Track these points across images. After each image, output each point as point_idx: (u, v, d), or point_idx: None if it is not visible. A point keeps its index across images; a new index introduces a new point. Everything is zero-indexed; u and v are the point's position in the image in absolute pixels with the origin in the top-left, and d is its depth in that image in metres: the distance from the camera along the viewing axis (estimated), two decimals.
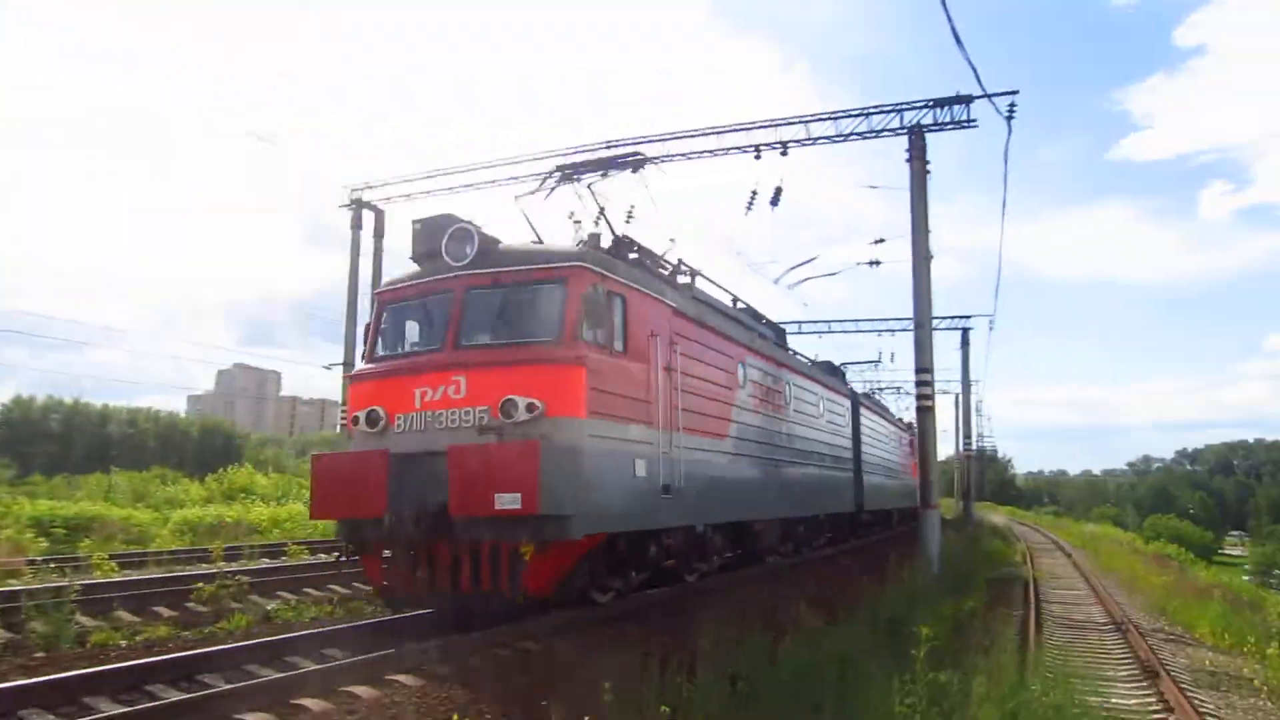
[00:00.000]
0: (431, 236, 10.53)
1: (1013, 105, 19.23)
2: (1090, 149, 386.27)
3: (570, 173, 12.71)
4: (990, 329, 68.99)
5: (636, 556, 11.18)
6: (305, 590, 14.36)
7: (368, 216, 28.99)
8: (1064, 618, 15.78)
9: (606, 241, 11.77)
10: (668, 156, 23.78)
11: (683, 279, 13.52)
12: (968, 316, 48.20)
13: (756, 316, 17.91)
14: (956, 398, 65.83)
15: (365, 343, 11.07)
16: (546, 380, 9.52)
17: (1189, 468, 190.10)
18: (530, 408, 9.36)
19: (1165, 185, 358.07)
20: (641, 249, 12.60)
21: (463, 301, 10.15)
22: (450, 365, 9.79)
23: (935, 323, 23.94)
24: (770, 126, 22.58)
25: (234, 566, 15.69)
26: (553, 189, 12.76)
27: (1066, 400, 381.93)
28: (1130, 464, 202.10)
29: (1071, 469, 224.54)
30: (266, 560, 18.30)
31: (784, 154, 22.21)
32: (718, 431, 13.27)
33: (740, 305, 17.11)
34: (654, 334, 11.27)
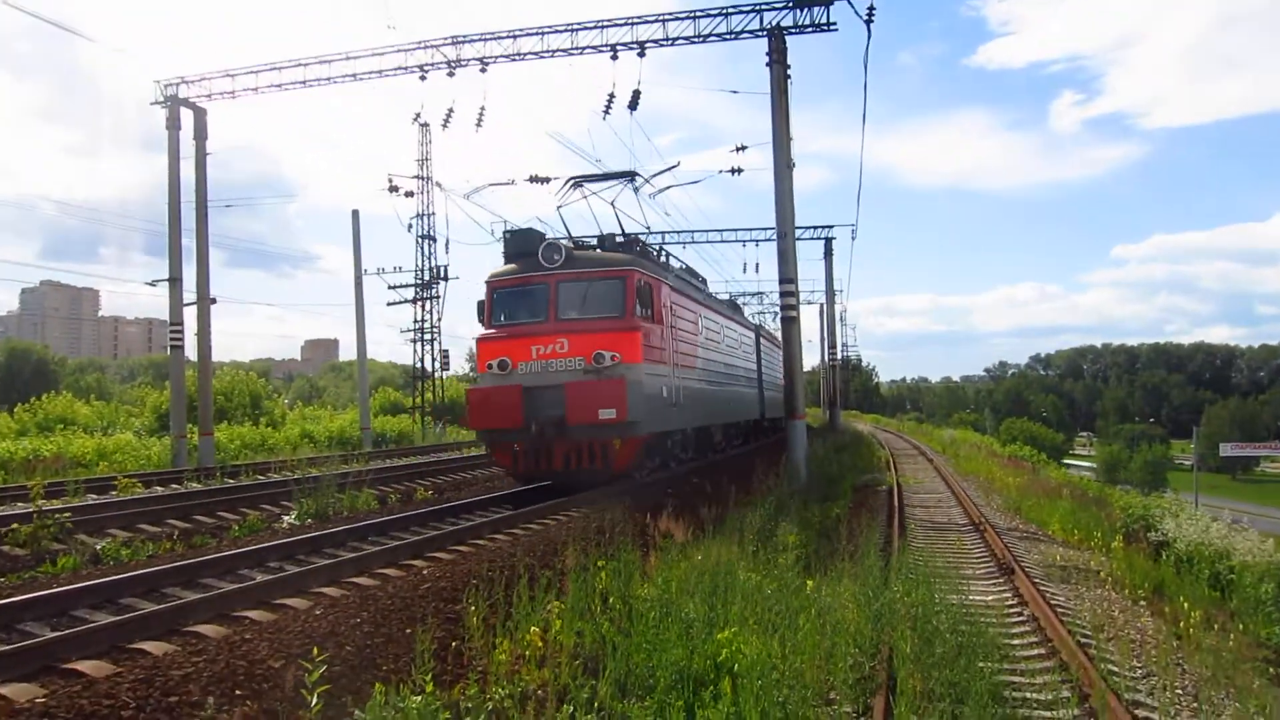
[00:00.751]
0: (521, 243, 17.92)
1: (871, 8, 19.48)
2: (948, 56, 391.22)
3: (580, 182, 19.87)
4: (853, 238, 65.61)
5: (659, 449, 18.27)
6: (140, 526, 13.84)
7: (187, 116, 27.33)
8: (926, 520, 16.65)
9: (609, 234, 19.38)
10: (519, 55, 23.22)
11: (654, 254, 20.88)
12: (830, 226, 48.43)
13: (694, 274, 23.83)
14: (821, 307, 65.65)
15: (483, 315, 17.91)
16: (620, 340, 16.44)
17: (1042, 372, 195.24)
18: (613, 358, 16.16)
19: (1018, 94, 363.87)
20: (641, 242, 19.59)
21: (557, 290, 17.16)
22: (556, 331, 16.74)
23: (798, 232, 24.34)
24: (627, 25, 22.24)
25: (56, 504, 14.95)
26: (567, 193, 20.03)
27: (928, 309, 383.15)
28: (988, 370, 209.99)
29: (933, 376, 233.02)
30: (94, 496, 17.46)
31: (641, 55, 21.97)
32: (692, 365, 20.11)
33: (684, 267, 23.88)
34: (663, 304, 18.13)
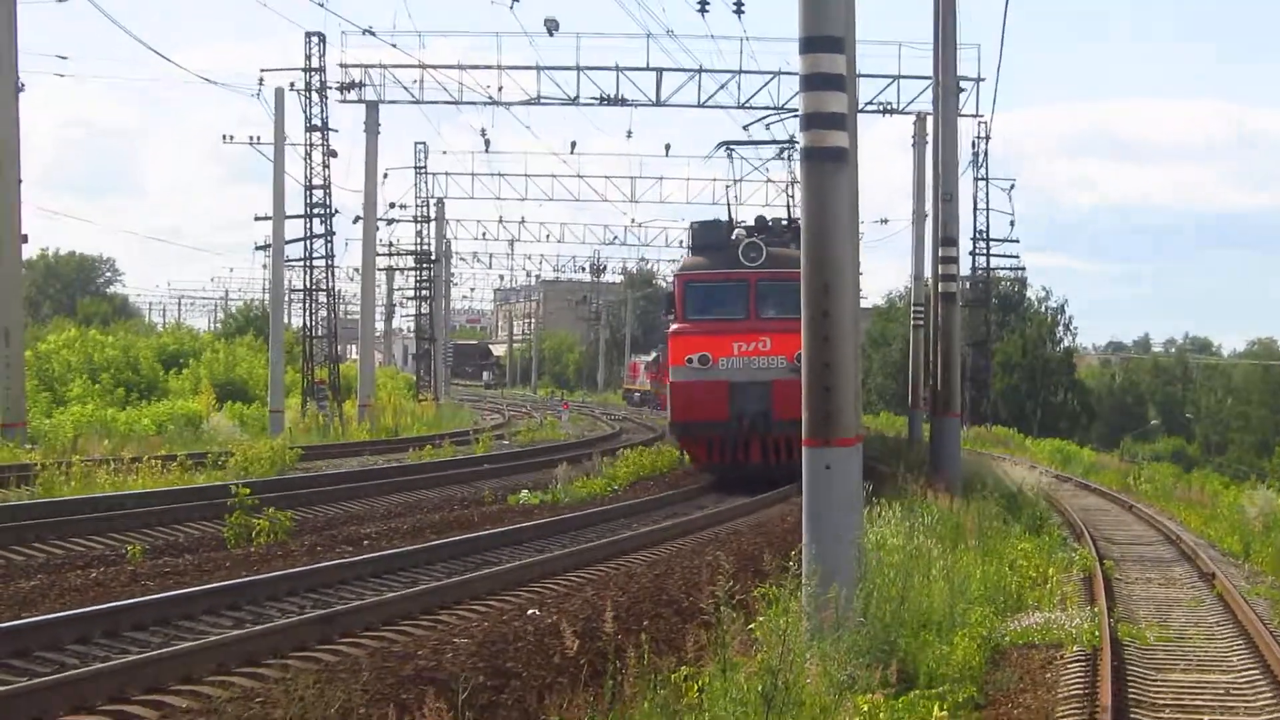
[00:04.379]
0: (710, 235, 38.74)
1: None
2: None
3: (729, 146, 42.53)
4: None
5: None
6: None
7: None
8: None
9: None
10: None
11: None
12: None
13: None
14: (922, 119, 56.60)
15: (674, 306, 37.29)
16: None
17: None
18: None
19: None
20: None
21: (756, 288, 35.55)
22: (757, 330, 35.29)
23: None
24: None
25: None
26: (713, 156, 62.00)
27: (1212, 143, 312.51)
28: None
29: (1226, 338, 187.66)
30: None
31: None
32: None
33: None
34: None
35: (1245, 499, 41.82)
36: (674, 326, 36.92)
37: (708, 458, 36.94)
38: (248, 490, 23.84)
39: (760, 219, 40.67)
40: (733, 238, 38.11)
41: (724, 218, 43.43)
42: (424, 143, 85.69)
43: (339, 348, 66.42)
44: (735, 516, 29.43)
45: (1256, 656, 17.63)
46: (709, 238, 37.84)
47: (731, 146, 43.32)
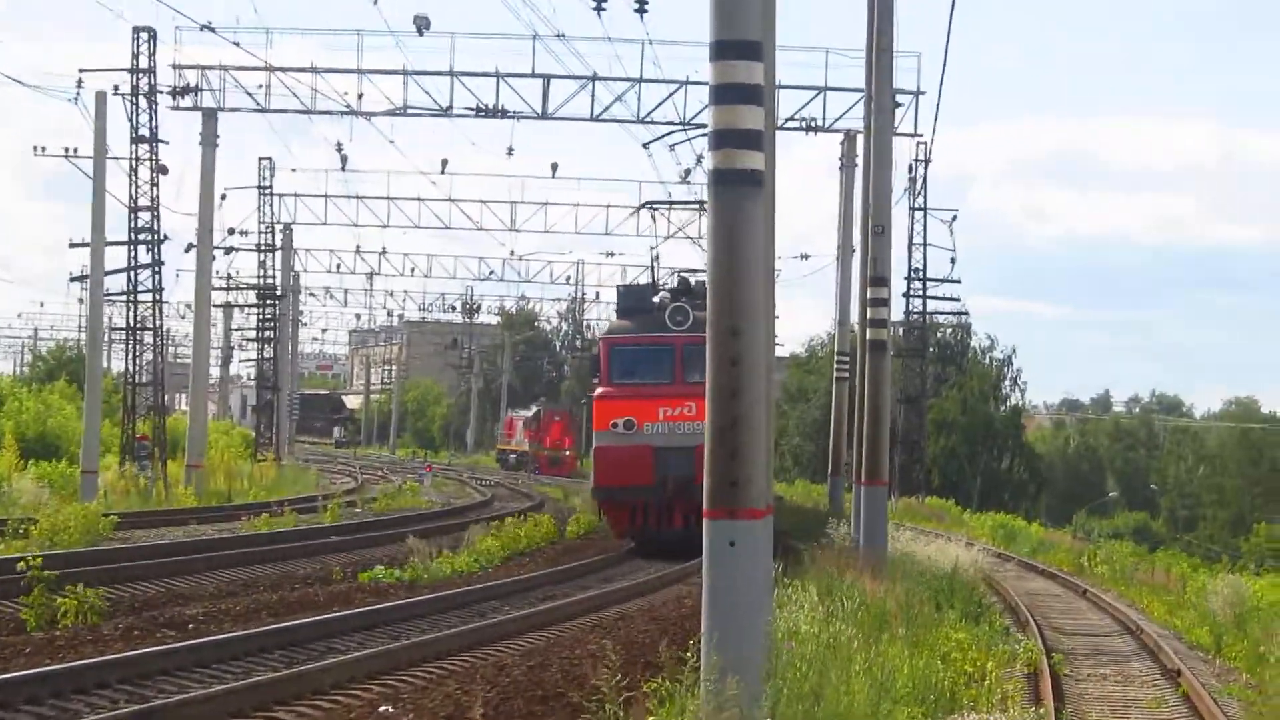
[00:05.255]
0: (634, 298, 47.12)
1: None
2: None
3: (651, 206, 62.60)
4: None
5: None
6: None
7: None
8: None
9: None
10: None
11: None
12: None
13: None
14: (852, 138, 59.29)
15: (599, 371, 45.68)
16: None
17: None
18: None
19: None
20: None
21: (682, 352, 42.08)
22: (683, 394, 41.38)
23: None
24: None
25: None
26: (636, 214, 76.00)
27: (1191, 166, 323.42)
28: None
29: (1199, 396, 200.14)
30: None
31: None
32: None
33: None
34: None
35: (1210, 586, 42.10)
36: (599, 391, 43.47)
37: (630, 523, 42.76)
38: (39, 560, 23.67)
39: (684, 280, 46.39)
40: (656, 300, 44.31)
41: (647, 279, 51.64)
42: (270, 159, 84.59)
43: (166, 397, 66.03)
44: (626, 598, 29.89)
45: None
46: (634, 301, 45.04)
47: (655, 206, 57.40)
